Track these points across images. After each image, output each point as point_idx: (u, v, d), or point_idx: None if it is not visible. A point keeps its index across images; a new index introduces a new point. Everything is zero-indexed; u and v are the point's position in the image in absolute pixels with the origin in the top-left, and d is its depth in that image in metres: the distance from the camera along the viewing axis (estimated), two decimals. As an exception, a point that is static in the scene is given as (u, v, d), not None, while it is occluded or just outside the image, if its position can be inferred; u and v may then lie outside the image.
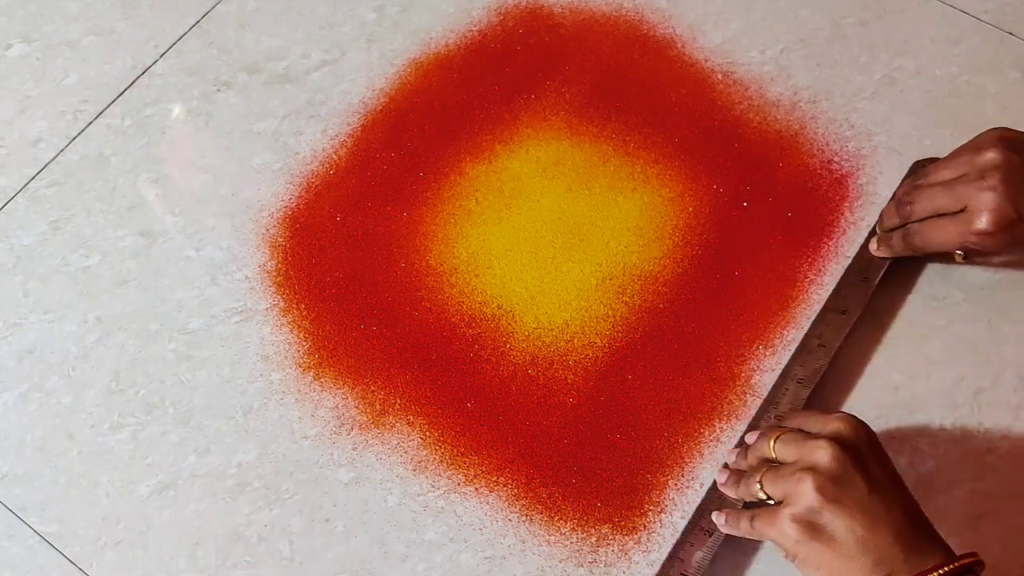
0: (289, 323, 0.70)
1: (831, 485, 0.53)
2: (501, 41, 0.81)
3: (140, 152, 0.77)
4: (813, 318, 0.68)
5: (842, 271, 0.70)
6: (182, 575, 0.63)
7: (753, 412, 0.65)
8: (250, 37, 0.82)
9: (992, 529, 0.62)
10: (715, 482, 0.62)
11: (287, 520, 0.64)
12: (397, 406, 0.67)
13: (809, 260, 0.71)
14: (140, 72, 0.81)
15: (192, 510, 0.65)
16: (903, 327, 0.68)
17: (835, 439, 0.54)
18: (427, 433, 0.66)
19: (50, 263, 0.73)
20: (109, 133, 0.78)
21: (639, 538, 0.63)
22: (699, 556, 0.61)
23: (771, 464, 0.57)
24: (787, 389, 0.65)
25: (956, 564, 0.51)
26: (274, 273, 0.72)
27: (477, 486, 0.65)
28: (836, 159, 0.75)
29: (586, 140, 0.76)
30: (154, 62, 0.81)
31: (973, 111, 0.75)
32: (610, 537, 0.63)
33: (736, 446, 0.64)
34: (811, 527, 0.53)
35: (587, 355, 0.68)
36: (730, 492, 0.60)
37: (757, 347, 0.68)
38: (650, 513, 0.63)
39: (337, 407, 0.67)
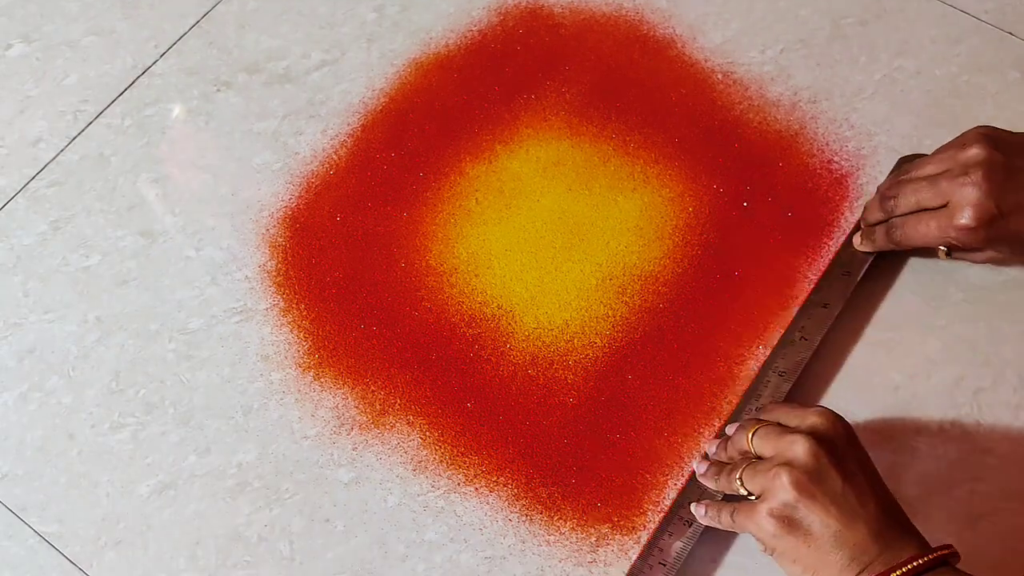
0: (289, 323, 0.70)
1: (807, 480, 0.53)
2: (501, 41, 0.81)
3: (140, 152, 0.77)
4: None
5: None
6: (182, 575, 0.63)
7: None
8: (250, 37, 0.82)
9: (991, 529, 0.62)
10: (694, 473, 0.63)
11: (287, 520, 0.64)
12: (397, 406, 0.67)
13: (809, 260, 0.71)
14: (140, 72, 0.81)
15: (192, 510, 0.65)
16: (902, 327, 0.68)
17: (812, 434, 0.55)
18: (427, 433, 0.66)
19: (50, 263, 0.73)
20: (109, 133, 0.78)
21: (639, 538, 0.63)
22: (678, 546, 0.61)
23: (750, 458, 0.58)
24: (768, 381, 0.66)
25: (930, 556, 0.52)
26: (274, 273, 0.72)
27: (477, 486, 0.65)
28: (836, 159, 0.75)
29: (586, 140, 0.76)
30: (154, 62, 0.81)
31: (973, 111, 0.75)
32: (610, 537, 0.63)
33: (716, 436, 0.64)
34: (787, 521, 0.53)
35: (587, 355, 0.68)
36: (709, 484, 0.61)
37: (757, 347, 0.68)
38: (650, 513, 0.63)
39: (337, 407, 0.67)
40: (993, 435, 0.65)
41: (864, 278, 0.69)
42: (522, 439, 0.66)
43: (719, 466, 0.60)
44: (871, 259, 0.69)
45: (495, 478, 0.65)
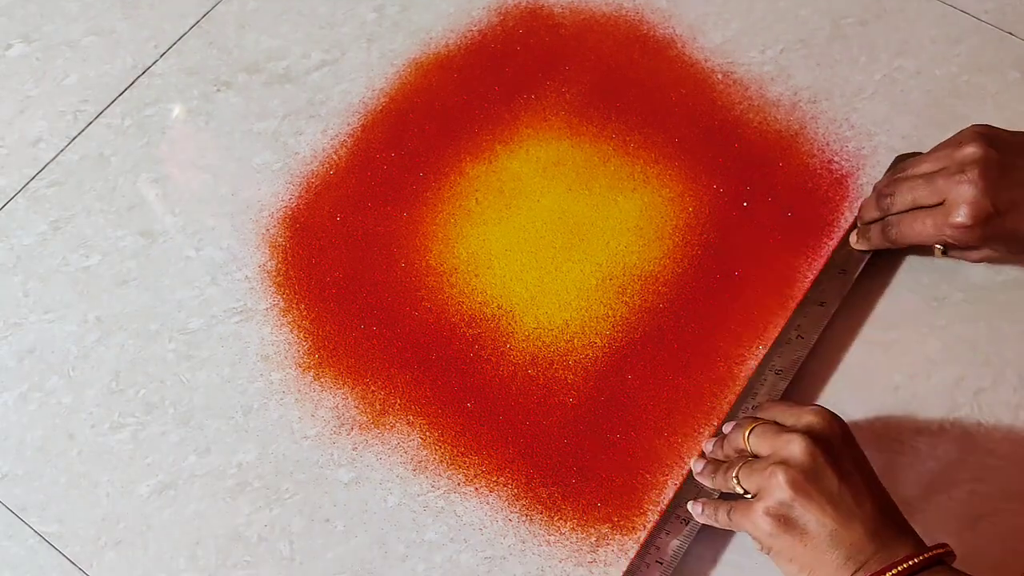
0: (289, 323, 0.70)
1: (802, 479, 0.53)
2: (501, 41, 0.81)
3: (140, 152, 0.77)
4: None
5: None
6: (182, 575, 0.63)
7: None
8: (250, 37, 0.82)
9: (992, 529, 0.62)
10: (691, 471, 0.63)
11: (287, 520, 0.64)
12: (397, 406, 0.67)
13: (809, 260, 0.71)
14: (140, 72, 0.81)
15: (192, 510, 0.65)
16: (900, 325, 0.68)
17: (808, 433, 0.55)
18: (427, 433, 0.66)
19: (50, 263, 0.73)
20: (109, 133, 0.78)
21: (639, 538, 0.63)
22: (675, 544, 0.61)
23: (747, 457, 0.58)
24: (765, 379, 0.66)
25: (926, 555, 0.52)
26: (274, 273, 0.72)
27: (477, 486, 0.65)
28: (836, 159, 0.75)
29: (586, 140, 0.76)
30: (154, 62, 0.81)
31: (973, 111, 0.75)
32: (610, 537, 0.63)
33: (714, 435, 0.64)
34: (784, 520, 0.53)
35: (587, 355, 0.68)
36: (706, 482, 0.61)
37: (757, 347, 0.68)
38: (650, 513, 0.63)
39: (337, 407, 0.67)
40: (993, 435, 0.65)
41: (861, 276, 0.69)
42: (522, 439, 0.66)
43: (716, 464, 0.61)
44: (867, 257, 0.69)
45: (495, 478, 0.65)
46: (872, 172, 0.74)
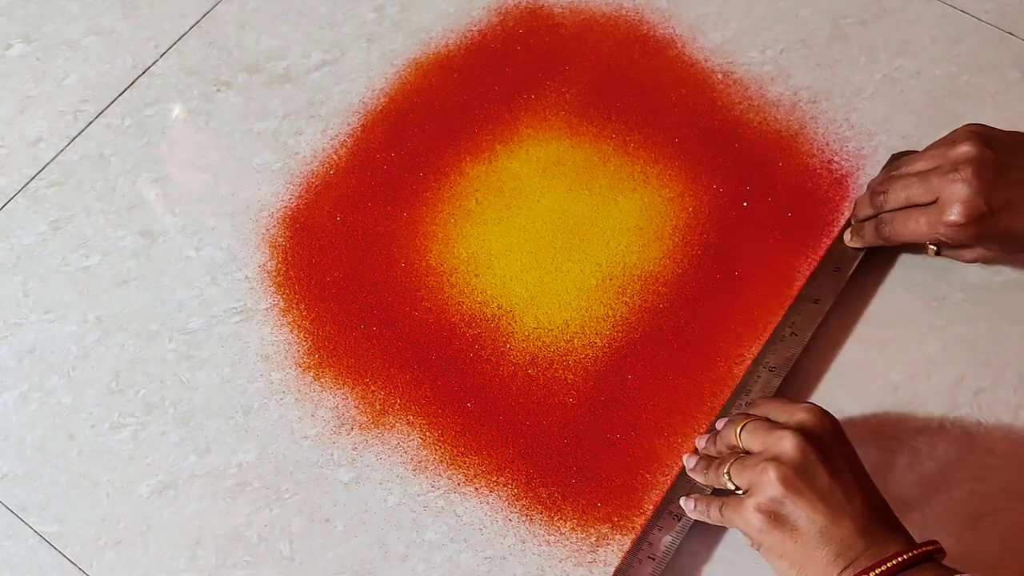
0: (289, 323, 0.70)
1: (794, 475, 0.53)
2: (501, 41, 0.81)
3: (140, 152, 0.77)
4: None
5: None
6: (182, 575, 0.63)
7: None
8: (250, 37, 0.82)
9: (991, 529, 0.62)
10: (683, 467, 0.63)
11: (287, 520, 0.64)
12: (397, 406, 0.67)
13: (809, 260, 0.71)
14: (140, 72, 0.81)
15: (192, 510, 0.65)
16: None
17: (799, 430, 0.55)
18: (427, 433, 0.66)
19: (50, 263, 0.73)
20: (109, 133, 0.78)
21: (639, 538, 0.63)
22: (667, 540, 0.61)
23: (739, 453, 0.58)
24: (759, 376, 0.66)
25: (916, 552, 0.52)
26: (274, 273, 0.72)
27: (477, 486, 0.65)
28: (836, 159, 0.75)
29: (586, 140, 0.76)
30: (154, 62, 0.81)
31: (973, 111, 0.75)
32: (610, 537, 0.63)
33: (707, 431, 0.65)
34: (774, 517, 0.54)
35: (587, 355, 0.68)
36: (699, 478, 0.61)
37: (757, 347, 0.68)
38: (650, 513, 0.63)
39: (337, 407, 0.67)
40: (993, 435, 0.65)
41: (855, 274, 0.69)
42: (522, 439, 0.66)
43: (708, 460, 0.61)
44: (861, 255, 0.69)
45: (495, 478, 0.65)
46: (872, 172, 0.74)
